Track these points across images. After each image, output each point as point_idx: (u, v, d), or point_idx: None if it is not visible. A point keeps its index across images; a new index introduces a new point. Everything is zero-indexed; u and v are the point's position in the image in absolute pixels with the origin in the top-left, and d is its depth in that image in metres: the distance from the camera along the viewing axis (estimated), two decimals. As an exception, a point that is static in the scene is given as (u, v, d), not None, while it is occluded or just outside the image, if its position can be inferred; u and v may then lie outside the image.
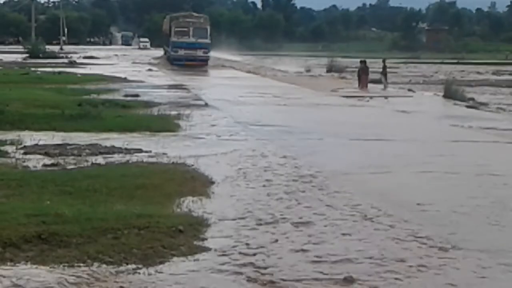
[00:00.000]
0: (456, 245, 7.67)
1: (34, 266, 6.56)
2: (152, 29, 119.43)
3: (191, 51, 48.77)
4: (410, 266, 6.95)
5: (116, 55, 72.08)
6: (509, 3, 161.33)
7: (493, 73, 55.83)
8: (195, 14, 53.98)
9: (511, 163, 13.49)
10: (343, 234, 7.97)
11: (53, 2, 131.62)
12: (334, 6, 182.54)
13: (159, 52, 68.76)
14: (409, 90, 35.53)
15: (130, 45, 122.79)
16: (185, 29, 49.46)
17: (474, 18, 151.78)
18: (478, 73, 56.90)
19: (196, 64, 48.03)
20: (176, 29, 49.76)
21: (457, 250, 7.52)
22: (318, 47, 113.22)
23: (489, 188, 10.89)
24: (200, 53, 49.17)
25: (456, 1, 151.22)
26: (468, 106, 26.81)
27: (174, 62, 49.01)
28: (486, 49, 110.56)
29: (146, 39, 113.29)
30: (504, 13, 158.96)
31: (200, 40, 49.05)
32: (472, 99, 29.82)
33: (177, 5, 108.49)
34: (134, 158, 12.33)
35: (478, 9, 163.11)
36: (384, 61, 37.13)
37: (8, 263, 6.62)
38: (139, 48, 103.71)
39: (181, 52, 49.02)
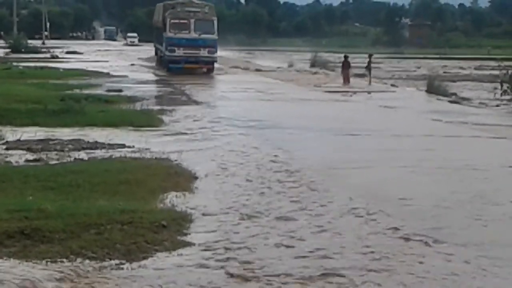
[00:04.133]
0: (439, 239, 7.72)
1: (17, 261, 6.54)
2: (135, 24, 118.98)
3: (192, 50, 36.23)
4: (393, 261, 6.98)
5: (99, 50, 71.80)
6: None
7: (476, 68, 56.03)
8: (196, 1, 38.97)
9: (493, 157, 13.56)
10: (326, 229, 8.00)
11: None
12: (317, 1, 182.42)
13: (148, 49, 65.71)
14: (392, 85, 35.62)
15: (114, 40, 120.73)
16: (185, 21, 36.51)
17: (457, 14, 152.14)
18: (461, 68, 57.11)
19: (199, 67, 36.95)
20: (172, 21, 36.63)
21: (439, 244, 7.57)
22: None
23: (471, 183, 10.96)
24: (204, 52, 36.41)
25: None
26: (450, 101, 26.93)
27: (170, 66, 36.74)
28: (469, 45, 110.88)
29: (134, 34, 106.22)
30: (486, 9, 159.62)
31: (204, 36, 36.41)
32: (455, 94, 29.95)
33: (161, 0, 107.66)
34: (117, 153, 12.32)
35: (460, 5, 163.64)
36: (370, 56, 37.20)
37: (-9, 259, 6.60)
38: (126, 44, 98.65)
39: (179, 51, 36.34)
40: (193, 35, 36.21)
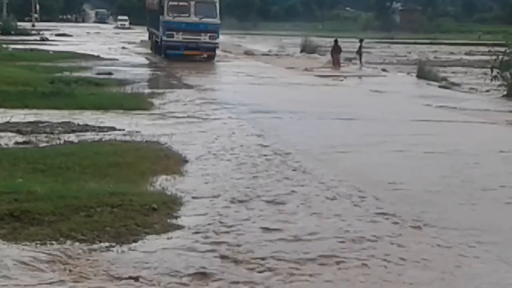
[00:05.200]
0: (428, 223, 7.75)
1: (6, 243, 6.52)
2: (125, 6, 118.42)
3: (192, 35, 33.64)
4: (382, 244, 7.01)
5: (88, 32, 71.40)
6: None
7: (466, 54, 56.06)
8: None
9: (483, 142, 13.60)
10: (315, 213, 8.01)
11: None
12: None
13: (139, 32, 64.85)
14: (383, 70, 35.62)
15: (106, 23, 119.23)
16: (184, 3, 33.81)
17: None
18: (451, 53, 57.12)
19: (199, 54, 34.69)
20: (170, 3, 33.83)
21: (429, 228, 7.60)
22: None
23: (460, 167, 10.99)
24: (205, 38, 33.79)
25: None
26: (441, 86, 26.93)
27: (168, 52, 34.18)
28: (459, 30, 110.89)
29: (125, 17, 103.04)
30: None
31: (205, 20, 33.72)
32: (445, 79, 29.96)
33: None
34: (107, 136, 12.29)
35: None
36: (361, 41, 37.19)
37: (-20, 241, 6.58)
38: (117, 27, 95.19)
39: (178, 36, 33.65)
40: (194, 19, 33.66)
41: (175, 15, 33.68)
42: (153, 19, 38.26)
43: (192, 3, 33.63)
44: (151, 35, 41.06)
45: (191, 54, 34.05)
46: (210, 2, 34.19)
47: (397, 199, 8.79)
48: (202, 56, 34.76)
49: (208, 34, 33.82)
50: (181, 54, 33.65)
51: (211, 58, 34.82)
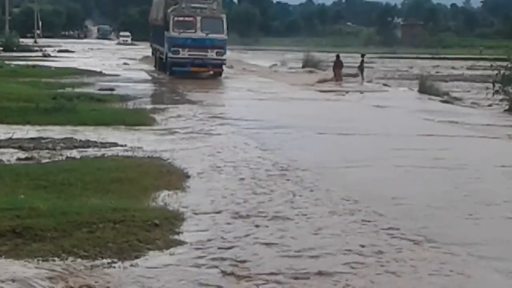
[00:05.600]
0: (431, 238, 7.73)
1: (8, 260, 6.51)
2: (127, 23, 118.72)
3: (199, 51, 32.40)
4: (385, 260, 6.99)
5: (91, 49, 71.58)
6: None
7: (468, 68, 56.10)
8: None
9: (485, 157, 13.59)
10: (317, 228, 8.00)
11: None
12: (310, 0, 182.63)
13: (142, 48, 64.25)
14: (385, 85, 35.67)
15: (108, 39, 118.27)
16: (190, 18, 32.60)
17: (449, 14, 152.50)
18: (453, 68, 57.17)
19: (206, 71, 33.50)
20: (176, 18, 32.71)
21: (431, 243, 7.58)
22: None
23: (463, 182, 10.98)
24: (212, 54, 32.60)
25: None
26: (442, 101, 26.95)
27: (174, 69, 32.94)
28: (461, 44, 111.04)
29: (127, 33, 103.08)
30: (479, 9, 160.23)
31: (212, 35, 32.61)
32: (447, 94, 29.97)
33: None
34: (110, 152, 12.28)
35: (453, 5, 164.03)
36: (362, 56, 37.28)
37: (-18, 257, 6.57)
38: (119, 43, 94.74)
39: (184, 52, 32.39)
40: (200, 34, 32.49)
41: (181, 30, 32.60)
42: (157, 35, 37.43)
43: (198, 18, 32.61)
44: (154, 51, 40.28)
45: (198, 71, 33.03)
46: (217, 17, 33.19)
47: (399, 214, 8.77)
48: (209, 73, 33.70)
49: (215, 50, 32.67)
50: (187, 71, 32.55)
51: (217, 74, 33.72)
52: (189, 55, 32.43)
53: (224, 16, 33.40)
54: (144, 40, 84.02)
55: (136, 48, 73.92)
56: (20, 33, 73.61)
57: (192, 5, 32.98)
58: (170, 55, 32.82)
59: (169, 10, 33.25)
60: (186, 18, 32.83)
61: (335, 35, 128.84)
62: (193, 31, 32.57)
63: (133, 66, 41.61)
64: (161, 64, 35.69)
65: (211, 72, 33.61)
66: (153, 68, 38.38)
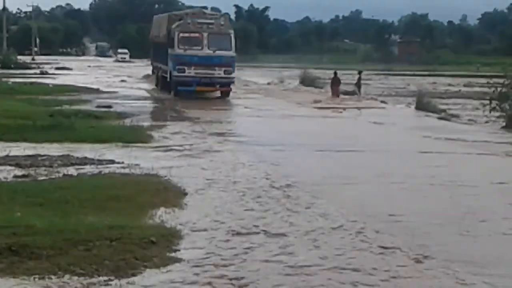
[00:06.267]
0: (429, 255, 7.71)
1: (5, 278, 6.48)
2: (125, 40, 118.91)
3: (206, 69, 30.62)
4: (383, 277, 6.97)
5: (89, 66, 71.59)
6: (480, 16, 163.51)
7: (465, 85, 56.18)
8: (209, 12, 33.65)
9: (483, 174, 13.58)
10: (315, 245, 7.98)
11: (25, 12, 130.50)
12: (307, 17, 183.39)
13: (140, 65, 63.22)
14: (382, 101, 35.71)
15: (107, 56, 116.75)
16: (196, 34, 30.88)
17: (446, 31, 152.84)
18: (450, 85, 57.27)
19: (213, 90, 31.88)
20: (181, 35, 31.03)
21: (429, 260, 7.56)
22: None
23: (461, 199, 10.97)
24: (220, 72, 30.77)
25: (428, 13, 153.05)
26: (440, 118, 26.96)
27: (179, 88, 31.13)
28: (458, 62, 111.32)
29: (125, 50, 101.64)
30: (475, 26, 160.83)
31: (219, 53, 30.77)
32: (444, 111, 30.00)
33: (152, 17, 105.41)
34: (107, 169, 12.27)
35: (449, 22, 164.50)
36: (360, 73, 37.36)
37: (-22, 275, 6.54)
38: (117, 61, 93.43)
39: (190, 71, 30.58)
40: (207, 51, 30.59)
41: (187, 47, 30.73)
42: (159, 53, 35.87)
43: (205, 34, 30.80)
44: (156, 69, 38.70)
45: (204, 90, 31.42)
46: (225, 33, 31.40)
47: (397, 231, 8.75)
48: (215, 93, 32.11)
49: (223, 68, 30.75)
50: (193, 90, 30.91)
51: (225, 94, 31.89)
52: (195, 73, 30.60)
53: (232, 32, 31.81)
54: (142, 57, 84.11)
55: (135, 65, 73.88)
56: (17, 50, 73.75)
57: (198, 20, 31.35)
58: (175, 73, 30.97)
59: (173, 26, 31.83)
60: (192, 34, 31.06)
61: (332, 52, 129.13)
62: (200, 48, 30.75)
63: (130, 83, 41.48)
64: (164, 83, 33.84)
65: (219, 93, 32.15)
66: (155, 87, 36.97)
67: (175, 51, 30.85)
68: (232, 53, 31.29)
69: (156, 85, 36.82)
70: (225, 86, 31.44)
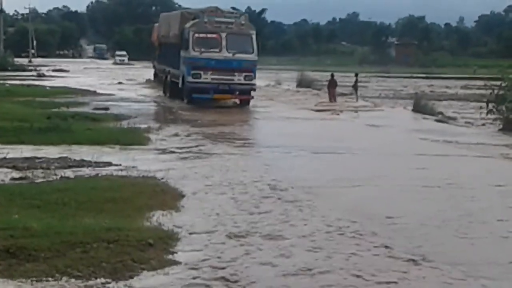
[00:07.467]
0: (426, 257, 7.72)
1: (2, 280, 6.48)
2: (122, 42, 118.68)
3: (224, 75, 27.12)
4: (380, 279, 6.97)
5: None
6: (476, 18, 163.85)
7: (462, 88, 56.17)
8: (228, 10, 29.80)
9: (479, 176, 13.61)
10: (313, 248, 7.98)
11: (22, 14, 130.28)
12: (304, 20, 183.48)
13: (138, 67, 62.25)
14: (379, 104, 35.68)
15: (105, 59, 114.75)
16: (214, 35, 27.38)
17: (443, 33, 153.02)
18: (447, 87, 57.27)
19: (233, 98, 28.57)
20: (197, 35, 27.46)
21: (427, 262, 7.56)
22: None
23: (458, 201, 10.98)
24: (240, 78, 27.33)
25: (425, 16, 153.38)
26: (437, 120, 26.97)
27: (194, 96, 27.65)
28: (455, 64, 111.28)
29: (123, 52, 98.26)
30: (472, 28, 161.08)
31: (239, 56, 27.34)
32: (441, 113, 30.00)
33: (149, 18, 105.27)
34: (104, 171, 12.27)
35: (446, 24, 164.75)
36: (356, 75, 37.36)
37: (-25, 278, 6.53)
38: (115, 63, 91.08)
39: (207, 76, 27.09)
40: (226, 54, 27.20)
41: (203, 50, 27.32)
42: (167, 55, 32.70)
43: (224, 35, 27.39)
44: (160, 73, 35.33)
45: (222, 98, 28.19)
46: (245, 34, 27.97)
47: (394, 234, 8.76)
48: (234, 101, 28.96)
49: (243, 74, 27.36)
50: (210, 98, 27.51)
51: (245, 103, 28.58)
52: (212, 79, 27.11)
53: (254, 33, 28.19)
54: (140, 59, 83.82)
55: (134, 68, 73.69)
56: (14, 53, 73.63)
57: (216, 19, 27.82)
58: (189, 79, 27.36)
59: (187, 25, 28.35)
60: (209, 35, 27.54)
61: (330, 54, 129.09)
62: (218, 50, 27.35)
63: (127, 86, 41.17)
64: (175, 89, 29.88)
65: (237, 101, 28.85)
66: (162, 94, 33.08)
67: (190, 54, 27.44)
68: (253, 56, 27.91)
69: (164, 92, 32.88)
70: (246, 94, 28.11)
